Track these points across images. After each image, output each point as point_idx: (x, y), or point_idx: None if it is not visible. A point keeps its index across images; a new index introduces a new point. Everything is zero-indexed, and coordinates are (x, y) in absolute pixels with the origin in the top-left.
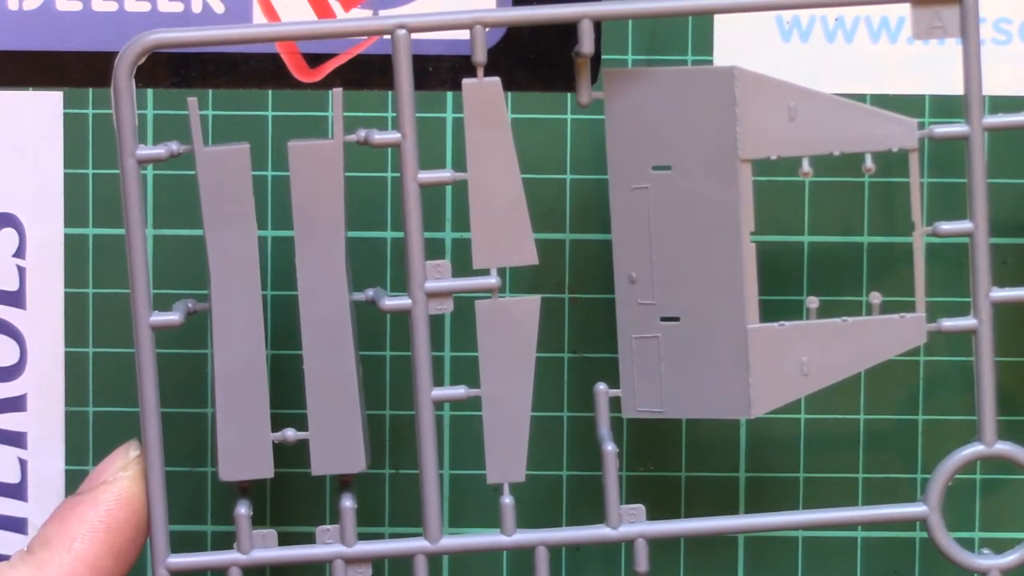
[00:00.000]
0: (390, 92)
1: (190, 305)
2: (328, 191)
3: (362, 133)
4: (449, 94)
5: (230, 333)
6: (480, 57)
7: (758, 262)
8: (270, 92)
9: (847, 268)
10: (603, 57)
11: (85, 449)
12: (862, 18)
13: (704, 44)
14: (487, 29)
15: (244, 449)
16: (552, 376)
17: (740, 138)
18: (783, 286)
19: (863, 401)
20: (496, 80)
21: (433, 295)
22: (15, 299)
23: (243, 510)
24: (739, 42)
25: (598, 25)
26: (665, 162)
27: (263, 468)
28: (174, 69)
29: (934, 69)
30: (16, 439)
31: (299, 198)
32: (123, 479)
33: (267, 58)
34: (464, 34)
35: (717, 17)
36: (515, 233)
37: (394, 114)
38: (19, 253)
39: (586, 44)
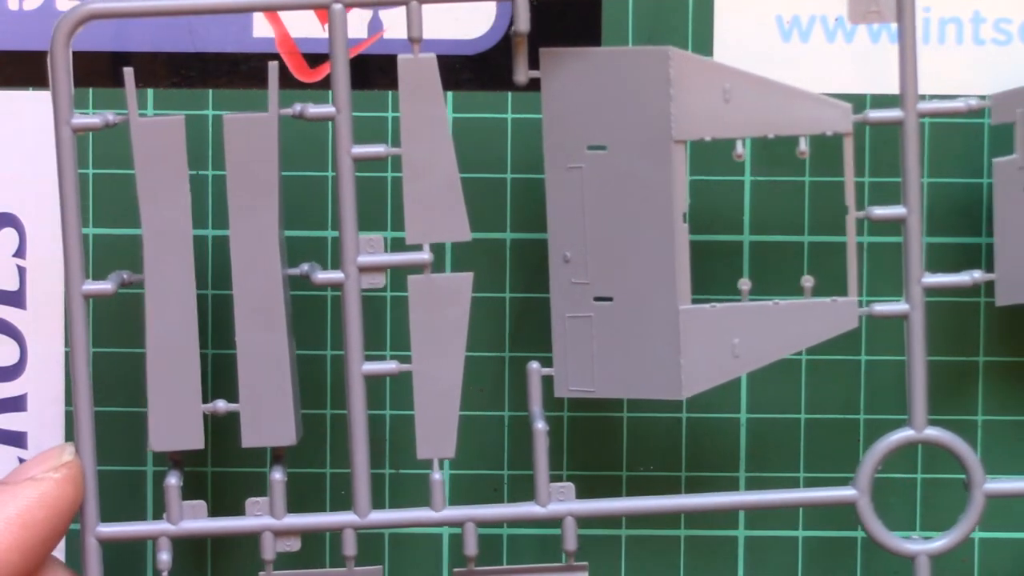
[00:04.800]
0: (390, 92)
1: (125, 276)
2: (263, 164)
3: (297, 107)
4: (449, 94)
5: (162, 305)
6: (415, 33)
7: (760, 257)
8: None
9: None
10: None
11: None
12: None
13: (704, 44)
14: (423, 6)
15: (175, 420)
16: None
17: (674, 119)
18: (781, 281)
19: (863, 401)
20: (431, 56)
21: (366, 269)
22: (15, 299)
23: (173, 480)
24: (739, 42)
25: (597, 15)
26: (600, 142)
27: (193, 439)
28: (174, 69)
29: (934, 69)
30: (16, 439)
31: (234, 171)
32: (49, 480)
33: (267, 58)
34: (464, 34)
35: (717, 16)
36: (449, 209)
37: (395, 113)
38: (19, 253)
39: (521, 23)
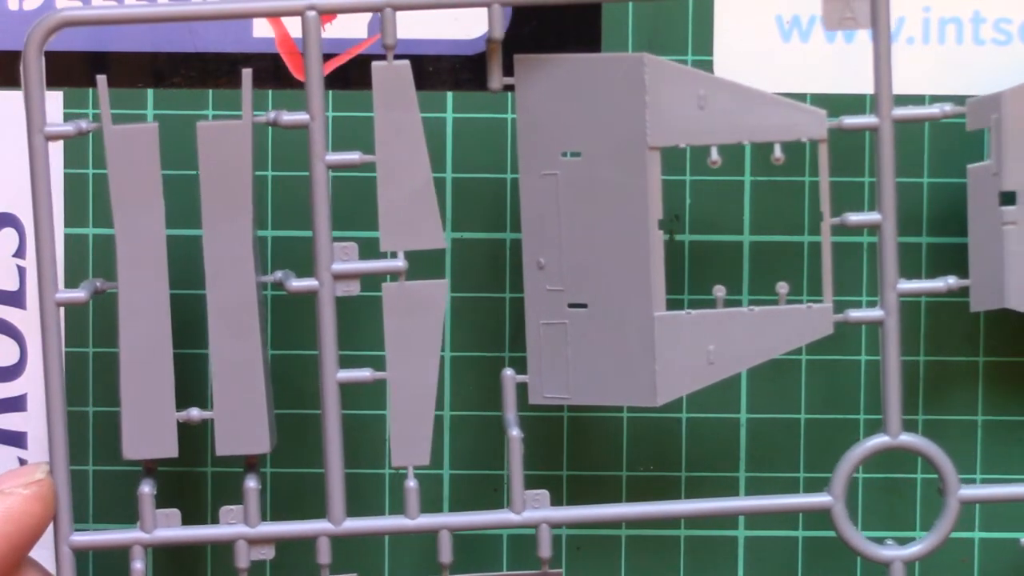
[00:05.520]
0: None
1: (98, 284)
2: (236, 171)
3: (272, 114)
4: (449, 94)
5: (137, 313)
6: (390, 40)
7: (760, 257)
8: (270, 92)
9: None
10: None
11: (85, 449)
12: None
13: (704, 44)
14: (396, 12)
15: (148, 428)
16: None
17: (649, 126)
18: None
19: (863, 401)
20: (405, 63)
21: (340, 277)
22: (15, 299)
23: (147, 489)
24: (739, 42)
25: (596, 16)
26: (575, 149)
27: (167, 447)
28: (174, 69)
29: (934, 69)
30: (16, 439)
31: (207, 178)
32: (17, 495)
33: (267, 58)
34: (463, 34)
35: (717, 18)
36: (423, 216)
37: None
38: (19, 253)
39: (495, 29)
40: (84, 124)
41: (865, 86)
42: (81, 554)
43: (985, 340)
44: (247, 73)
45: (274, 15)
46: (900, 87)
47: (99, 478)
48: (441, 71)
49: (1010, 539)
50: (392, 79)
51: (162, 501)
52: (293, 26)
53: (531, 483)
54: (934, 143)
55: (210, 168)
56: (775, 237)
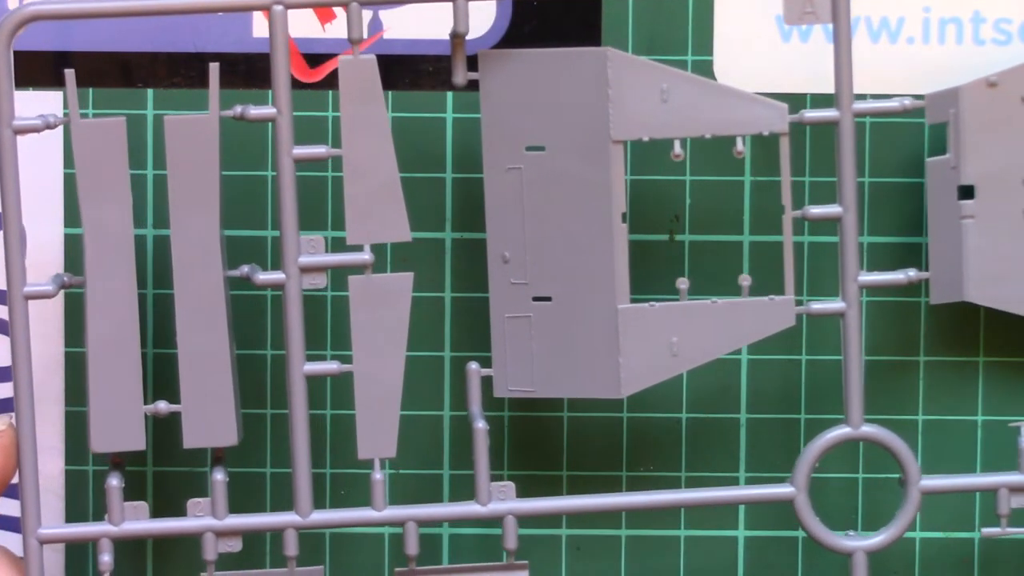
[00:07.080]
0: (391, 92)
1: (66, 278)
2: (204, 165)
3: (238, 109)
4: (449, 94)
5: (103, 306)
6: (356, 35)
7: (760, 257)
8: (270, 92)
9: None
10: None
11: (85, 449)
12: (862, 18)
13: (704, 44)
14: (362, 7)
15: (116, 421)
16: None
17: (612, 119)
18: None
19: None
20: (372, 58)
21: (307, 270)
22: None
23: (115, 482)
24: (739, 42)
25: (596, 16)
26: (539, 143)
27: (135, 440)
28: (174, 69)
29: (935, 69)
30: None
31: (175, 173)
32: None
33: (267, 58)
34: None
35: (717, 18)
36: (389, 210)
37: (394, 113)
38: None
39: (460, 24)
40: (52, 118)
41: (863, 86)
42: (82, 554)
43: (985, 340)
44: (214, 67)
45: (241, 10)
46: (900, 87)
47: (99, 478)
48: (441, 71)
49: (1010, 539)
50: (358, 74)
51: (159, 499)
52: (293, 26)
53: (530, 483)
54: (934, 143)
55: (178, 163)
56: (775, 237)
